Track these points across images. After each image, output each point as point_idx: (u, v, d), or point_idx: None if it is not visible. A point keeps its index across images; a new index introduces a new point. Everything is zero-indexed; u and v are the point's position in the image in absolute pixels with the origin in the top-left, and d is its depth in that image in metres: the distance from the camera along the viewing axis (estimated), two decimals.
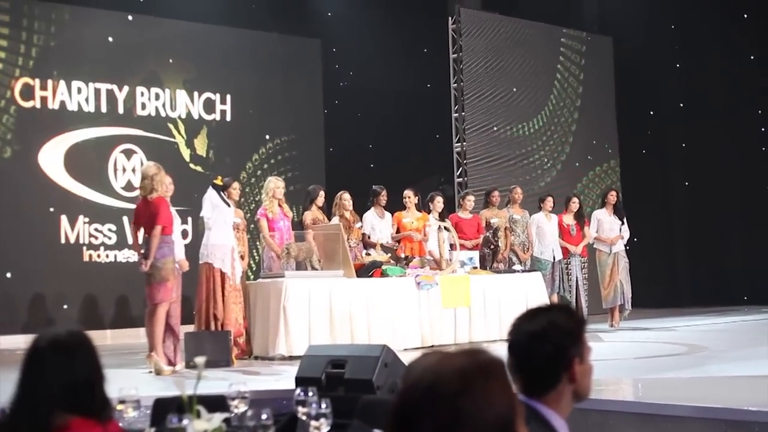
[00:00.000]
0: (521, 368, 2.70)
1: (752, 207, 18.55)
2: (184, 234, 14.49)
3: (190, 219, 14.63)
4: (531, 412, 2.67)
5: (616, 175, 19.34)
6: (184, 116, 16.12)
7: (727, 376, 8.47)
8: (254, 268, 14.18)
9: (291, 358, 10.14)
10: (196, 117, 16.27)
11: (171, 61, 16.15)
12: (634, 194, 18.42)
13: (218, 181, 10.81)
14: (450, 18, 17.33)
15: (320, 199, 12.31)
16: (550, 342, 2.71)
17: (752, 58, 18.86)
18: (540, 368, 2.70)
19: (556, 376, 2.69)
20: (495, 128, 17.49)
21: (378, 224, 12.80)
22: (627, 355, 10.59)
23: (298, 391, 3.47)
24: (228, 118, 16.62)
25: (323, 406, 3.26)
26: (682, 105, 19.95)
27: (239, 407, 3.32)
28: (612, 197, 14.54)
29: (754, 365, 9.16)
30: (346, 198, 12.44)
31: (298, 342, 10.27)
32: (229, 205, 10.71)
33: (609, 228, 14.32)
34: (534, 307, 2.82)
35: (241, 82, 16.76)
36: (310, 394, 3.40)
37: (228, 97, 16.64)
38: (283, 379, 8.40)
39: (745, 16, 18.97)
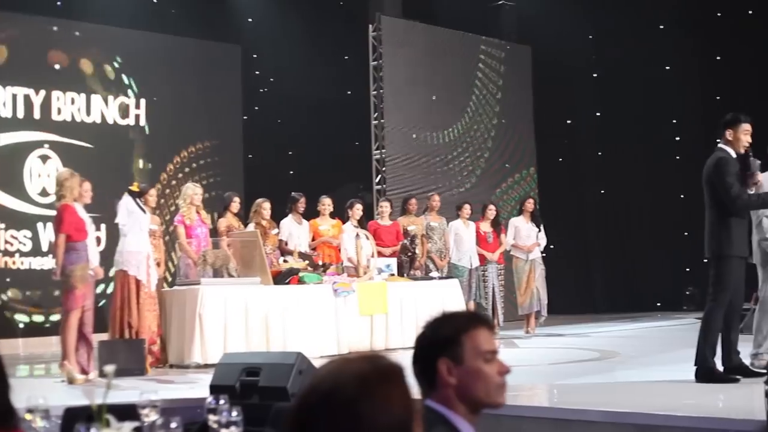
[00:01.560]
0: (414, 373, 2.79)
1: (666, 215, 18.85)
2: (98, 240, 14.34)
3: (104, 225, 14.48)
4: (435, 415, 2.72)
5: (534, 183, 19.53)
6: (99, 121, 15.96)
7: (637, 382, 8.61)
8: (171, 276, 14.08)
9: (206, 366, 10.08)
10: (110, 122, 16.10)
11: (88, 65, 15.97)
12: (551, 202, 18.62)
13: (134, 188, 10.73)
14: (370, 25, 17.36)
15: (235, 206, 12.28)
16: (422, 346, 2.81)
17: (667, 68, 19.17)
18: (418, 371, 2.78)
19: (428, 379, 2.77)
20: (414, 135, 17.57)
21: (296, 231, 12.81)
22: (542, 361, 10.70)
23: (209, 399, 3.47)
24: (142, 123, 16.47)
25: (234, 414, 3.27)
26: (598, 114, 20.23)
27: (150, 416, 3.30)
28: (529, 205, 14.68)
29: (663, 370, 9.33)
30: (265, 207, 12.42)
31: (214, 350, 10.23)
32: (145, 212, 10.63)
33: (526, 235, 14.45)
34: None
35: (160, 87, 16.63)
36: (221, 401, 3.40)
37: (142, 102, 16.48)
38: (197, 387, 8.37)
39: (661, 27, 19.29)
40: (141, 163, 16.31)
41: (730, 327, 8.00)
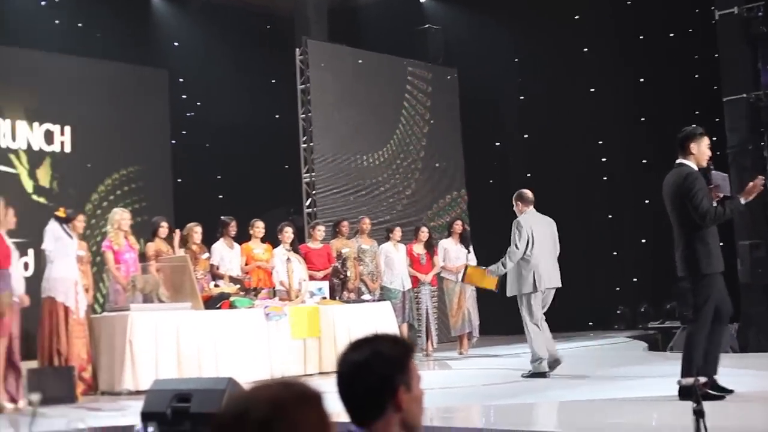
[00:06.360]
0: (348, 398, 2.71)
1: (595, 235, 19.04)
2: (26, 266, 14.15)
3: (31, 251, 14.28)
4: None
5: (464, 205, 19.58)
6: (25, 147, 15.73)
7: (570, 401, 8.66)
8: (101, 302, 13.88)
9: (138, 392, 9.93)
10: (36, 148, 15.87)
11: (13, 89, 15.75)
12: (481, 223, 18.69)
13: (61, 213, 10.57)
14: (297, 49, 17.35)
15: (163, 231, 12.14)
16: (374, 371, 2.71)
17: (592, 90, 19.42)
18: (365, 397, 2.70)
19: (382, 405, 2.69)
20: (343, 159, 17.55)
21: (227, 255, 12.72)
22: (476, 382, 10.74)
23: (137, 426, 3.43)
24: (67, 149, 16.24)
25: None
26: (526, 136, 20.41)
27: None
28: (458, 226, 14.73)
29: (595, 389, 9.40)
30: (197, 231, 12.35)
31: (145, 376, 10.08)
32: (72, 238, 10.48)
33: (455, 257, 14.50)
34: (360, 337, 2.82)
35: (86, 112, 16.42)
36: (150, 429, 3.36)
37: (67, 128, 16.26)
38: (129, 414, 8.27)
39: (585, 50, 19.55)
40: (68, 189, 16.07)
41: (718, 342, 7.90)
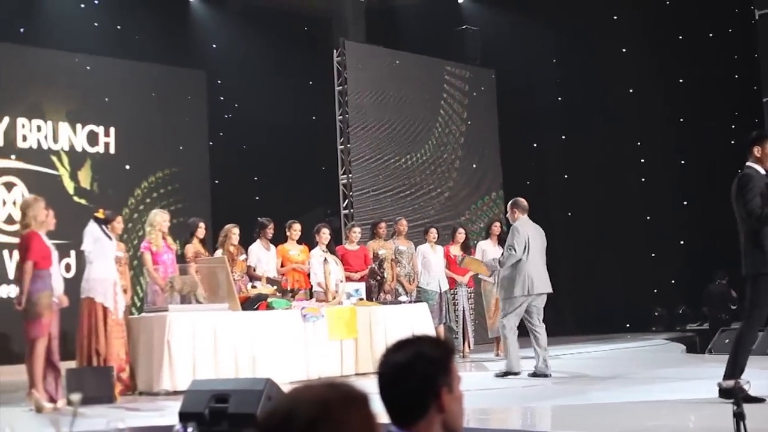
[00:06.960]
0: (390, 399, 2.71)
1: (632, 236, 18.96)
2: (67, 267, 14.26)
3: (73, 252, 14.38)
4: None
5: (501, 206, 19.52)
6: (67, 149, 15.87)
7: (608, 403, 8.62)
8: (138, 302, 13.97)
9: (176, 392, 9.98)
10: (79, 150, 16.02)
11: (53, 92, 15.88)
12: None
13: (100, 214, 10.65)
14: (335, 50, 17.39)
15: (201, 232, 12.23)
16: (417, 372, 2.70)
17: (630, 91, 19.33)
18: (408, 399, 2.70)
19: (425, 406, 2.69)
20: (380, 160, 17.55)
21: (264, 257, 12.77)
22: (513, 384, 10.70)
23: (177, 426, 3.45)
24: (112, 150, 16.40)
25: None
26: (563, 137, 20.34)
27: None
28: (496, 228, 14.68)
29: (633, 391, 9.36)
30: (234, 232, 12.40)
31: (183, 376, 10.13)
32: (111, 239, 10.56)
33: (493, 258, 14.43)
34: (402, 338, 2.82)
35: (125, 113, 16.56)
36: (189, 429, 3.38)
37: (112, 129, 16.41)
38: (167, 414, 8.31)
39: (624, 50, 19.46)
40: (107, 190, 16.19)
41: None
